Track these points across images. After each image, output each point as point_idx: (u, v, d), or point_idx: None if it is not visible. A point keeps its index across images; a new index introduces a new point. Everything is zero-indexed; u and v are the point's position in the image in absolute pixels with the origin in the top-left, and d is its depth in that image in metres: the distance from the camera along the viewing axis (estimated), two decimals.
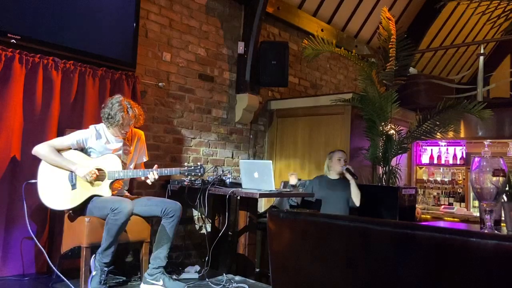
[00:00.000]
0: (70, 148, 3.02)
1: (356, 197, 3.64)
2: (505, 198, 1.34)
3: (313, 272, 0.82)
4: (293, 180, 3.83)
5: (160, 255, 3.03)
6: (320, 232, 0.83)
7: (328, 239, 0.82)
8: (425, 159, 6.87)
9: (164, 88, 4.21)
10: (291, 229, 0.87)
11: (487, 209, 1.27)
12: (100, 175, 2.97)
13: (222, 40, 4.79)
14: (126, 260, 3.66)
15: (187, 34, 4.44)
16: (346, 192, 3.70)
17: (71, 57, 3.50)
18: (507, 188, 1.31)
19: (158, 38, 4.20)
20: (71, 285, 2.85)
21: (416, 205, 4.05)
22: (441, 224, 3.45)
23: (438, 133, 4.41)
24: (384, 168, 4.47)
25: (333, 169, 3.77)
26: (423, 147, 6.78)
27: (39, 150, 2.94)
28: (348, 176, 3.71)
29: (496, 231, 1.32)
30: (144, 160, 3.34)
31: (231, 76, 4.89)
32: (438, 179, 6.91)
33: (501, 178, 1.24)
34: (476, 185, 1.29)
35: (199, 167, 3.19)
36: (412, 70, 7.26)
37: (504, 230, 1.54)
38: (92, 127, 3.16)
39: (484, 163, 1.26)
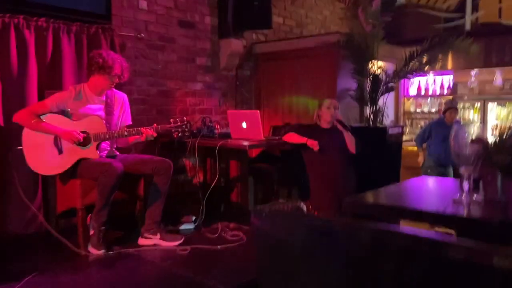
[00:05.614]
0: (51, 112, 2.97)
1: (351, 145, 3.59)
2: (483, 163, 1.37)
3: (299, 270, 0.85)
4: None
5: (155, 211, 3.10)
6: (305, 231, 0.86)
7: (313, 238, 0.84)
8: (412, 90, 6.89)
9: (143, 39, 4.06)
10: (275, 227, 0.89)
11: (466, 174, 1.31)
12: (85, 138, 2.95)
13: None
14: (123, 216, 3.75)
15: None
16: (341, 140, 3.65)
17: (42, 14, 3.33)
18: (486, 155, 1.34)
19: None
20: (70, 245, 2.93)
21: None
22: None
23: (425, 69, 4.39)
24: (372, 108, 4.48)
25: (323, 118, 3.67)
26: (411, 79, 6.75)
27: (20, 117, 2.89)
28: (340, 127, 3.62)
29: (474, 197, 1.35)
30: (128, 123, 3.28)
31: (212, 21, 4.70)
32: (426, 110, 6.97)
33: (479, 145, 1.26)
34: (455, 152, 1.31)
35: (185, 123, 3.16)
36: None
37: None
38: (71, 88, 3.09)
39: (463, 131, 1.28)
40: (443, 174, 5.00)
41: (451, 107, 5.00)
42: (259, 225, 0.92)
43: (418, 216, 1.30)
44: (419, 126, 6.88)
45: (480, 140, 1.25)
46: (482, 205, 1.33)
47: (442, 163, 4.88)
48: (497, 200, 1.32)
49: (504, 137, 1.21)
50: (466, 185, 1.33)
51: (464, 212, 1.30)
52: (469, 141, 1.26)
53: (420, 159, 5.23)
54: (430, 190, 1.78)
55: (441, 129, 4.99)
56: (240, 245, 3.05)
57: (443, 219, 1.25)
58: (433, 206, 1.37)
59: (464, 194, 1.35)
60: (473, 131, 1.26)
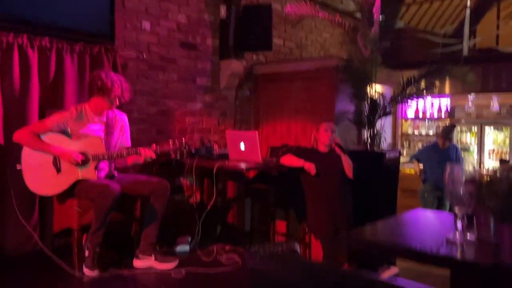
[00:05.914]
0: (51, 131, 2.98)
1: (349, 169, 3.57)
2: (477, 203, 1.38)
3: None
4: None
5: (150, 233, 3.09)
6: (299, 274, 0.87)
7: (306, 281, 0.86)
8: (410, 113, 6.95)
9: (145, 59, 4.11)
10: (270, 268, 0.90)
11: (460, 214, 1.33)
12: (84, 159, 2.96)
13: (203, 5, 4.63)
14: (118, 237, 3.74)
15: (166, 1, 4.27)
16: (339, 164, 3.57)
17: (45, 34, 3.37)
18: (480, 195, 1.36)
19: (136, 7, 4.04)
20: (64, 266, 2.92)
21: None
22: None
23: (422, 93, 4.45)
24: (369, 131, 4.52)
25: (321, 141, 3.66)
26: (409, 101, 6.80)
27: (19, 136, 2.90)
28: (338, 151, 3.60)
29: (468, 236, 1.37)
30: (127, 145, 3.27)
31: (214, 42, 4.76)
32: (423, 132, 7.02)
33: (473, 186, 1.28)
34: (449, 191, 1.33)
35: (184, 145, 3.17)
36: (398, 23, 7.12)
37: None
38: (72, 108, 3.11)
39: (457, 172, 1.30)
40: (440, 198, 5.03)
41: (439, 136, 5.24)
42: (254, 266, 0.93)
43: (413, 255, 1.32)
44: (416, 148, 6.93)
45: (474, 181, 1.27)
46: (475, 245, 1.35)
47: (440, 187, 4.91)
48: (490, 241, 1.34)
49: (497, 180, 1.24)
50: (459, 224, 1.35)
51: (457, 253, 1.32)
52: (463, 181, 1.28)
53: (416, 168, 5.48)
54: (425, 226, 1.80)
55: (435, 153, 5.09)
56: (235, 270, 3.03)
57: (437, 259, 1.27)
58: (427, 244, 1.38)
59: (457, 233, 1.37)
60: (468, 170, 1.29)
